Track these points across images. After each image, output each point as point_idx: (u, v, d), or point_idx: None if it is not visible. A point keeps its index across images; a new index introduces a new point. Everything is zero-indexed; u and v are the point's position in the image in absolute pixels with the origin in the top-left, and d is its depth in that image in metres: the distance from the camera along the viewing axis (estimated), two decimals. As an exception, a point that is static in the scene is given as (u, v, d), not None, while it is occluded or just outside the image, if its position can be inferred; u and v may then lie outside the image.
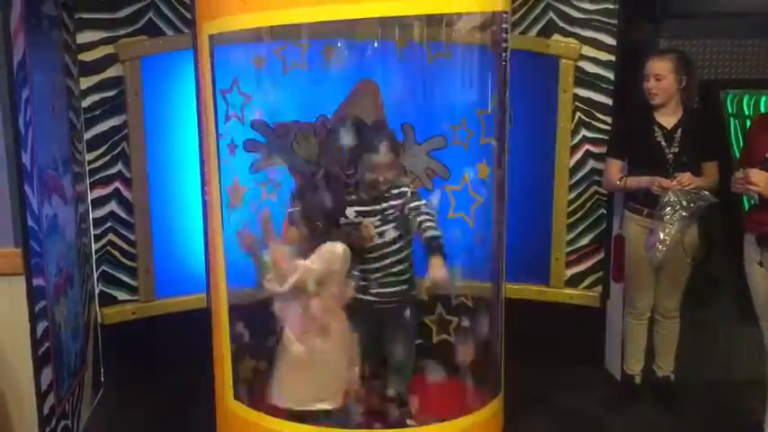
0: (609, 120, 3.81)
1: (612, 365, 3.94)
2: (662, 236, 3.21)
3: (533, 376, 3.62)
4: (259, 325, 2.93)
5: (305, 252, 2.77)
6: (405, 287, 2.95)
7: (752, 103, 3.61)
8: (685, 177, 3.23)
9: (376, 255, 2.89)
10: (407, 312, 2.92)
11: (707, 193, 3.19)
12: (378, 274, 2.90)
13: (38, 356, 2.76)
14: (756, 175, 2.88)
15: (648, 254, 3.31)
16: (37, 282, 2.76)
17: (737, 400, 3.58)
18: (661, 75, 3.32)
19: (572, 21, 3.77)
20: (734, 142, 3.56)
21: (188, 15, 3.46)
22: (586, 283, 4.03)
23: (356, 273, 2.86)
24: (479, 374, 3.14)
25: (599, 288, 4.01)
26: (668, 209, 3.18)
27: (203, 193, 2.80)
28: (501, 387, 2.99)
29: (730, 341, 3.80)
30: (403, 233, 2.89)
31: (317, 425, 2.70)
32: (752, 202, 3.10)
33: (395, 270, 2.92)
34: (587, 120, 3.86)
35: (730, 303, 3.72)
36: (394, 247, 2.91)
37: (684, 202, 3.17)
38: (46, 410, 2.82)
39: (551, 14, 3.78)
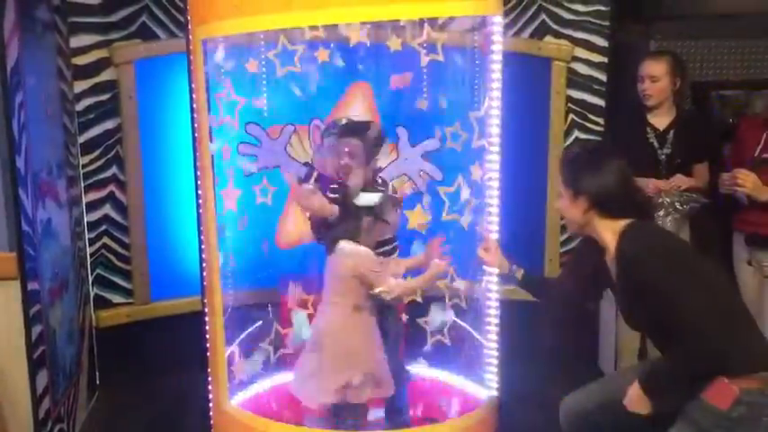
0: (602, 121, 3.84)
1: (606, 365, 3.96)
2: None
3: (528, 376, 3.64)
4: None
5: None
6: None
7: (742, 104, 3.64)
8: (680, 180, 3.26)
9: None
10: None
11: (697, 195, 3.21)
12: None
13: (33, 360, 2.76)
14: (744, 175, 2.90)
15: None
16: (32, 286, 2.76)
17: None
18: (656, 76, 3.34)
19: (564, 23, 3.80)
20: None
21: (181, 19, 3.46)
22: (580, 283, 4.04)
23: None
24: (474, 375, 3.16)
25: (592, 288, 4.03)
26: (661, 211, 3.21)
27: (197, 196, 2.81)
28: (496, 387, 3.00)
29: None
30: None
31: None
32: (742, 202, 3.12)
33: None
34: (580, 121, 3.88)
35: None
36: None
37: (677, 205, 3.19)
38: (41, 414, 2.82)
39: (543, 16, 3.80)
